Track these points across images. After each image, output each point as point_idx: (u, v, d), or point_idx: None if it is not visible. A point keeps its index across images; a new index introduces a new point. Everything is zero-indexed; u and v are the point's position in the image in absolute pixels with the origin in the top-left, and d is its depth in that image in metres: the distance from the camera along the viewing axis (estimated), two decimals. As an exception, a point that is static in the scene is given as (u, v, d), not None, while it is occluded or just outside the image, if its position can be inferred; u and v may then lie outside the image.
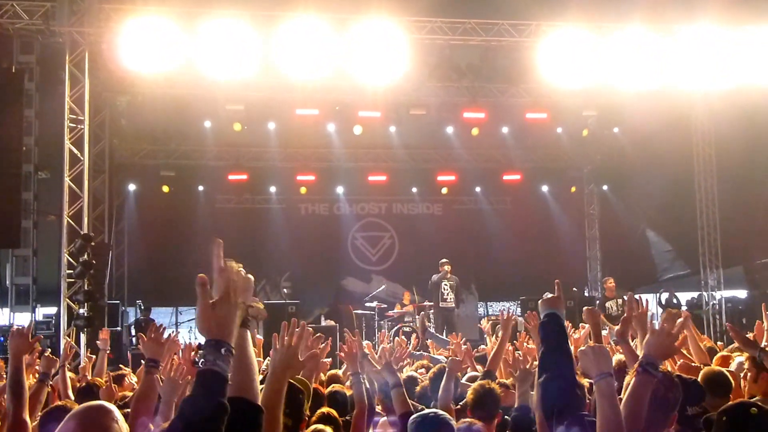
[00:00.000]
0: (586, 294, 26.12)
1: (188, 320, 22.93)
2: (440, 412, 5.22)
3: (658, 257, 25.33)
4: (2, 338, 18.04)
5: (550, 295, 4.36)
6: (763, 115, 18.26)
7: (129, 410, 5.14)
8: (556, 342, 4.21)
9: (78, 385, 8.45)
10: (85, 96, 17.16)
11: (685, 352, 7.37)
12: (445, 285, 19.80)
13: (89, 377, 8.93)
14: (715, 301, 22.64)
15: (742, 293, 22.80)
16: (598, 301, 19.44)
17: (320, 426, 5.78)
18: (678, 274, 23.66)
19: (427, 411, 5.30)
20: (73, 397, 7.71)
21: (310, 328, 5.97)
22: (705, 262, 23.04)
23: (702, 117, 22.53)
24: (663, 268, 24.96)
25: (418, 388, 7.75)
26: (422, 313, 19.92)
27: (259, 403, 3.05)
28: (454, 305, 19.91)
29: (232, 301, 2.92)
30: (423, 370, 9.42)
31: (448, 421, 5.04)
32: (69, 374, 8.66)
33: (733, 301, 22.39)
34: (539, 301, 4.40)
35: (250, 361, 3.08)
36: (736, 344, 8.55)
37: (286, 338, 4.10)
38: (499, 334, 8.35)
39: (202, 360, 2.77)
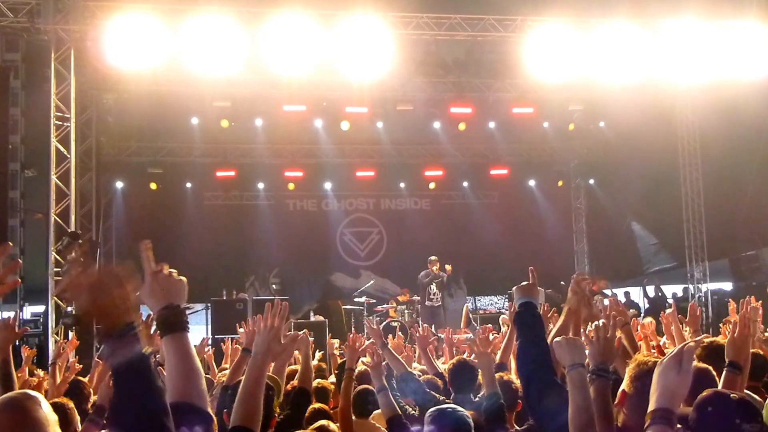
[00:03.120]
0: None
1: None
2: (458, 408, 5.13)
3: (644, 250, 25.46)
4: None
5: (524, 283, 4.44)
6: (746, 108, 18.36)
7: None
8: (532, 332, 4.31)
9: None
10: (71, 94, 17.10)
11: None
12: (433, 285, 19.91)
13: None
14: (701, 294, 22.75)
15: (727, 285, 22.93)
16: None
17: (324, 422, 5.83)
18: (664, 266, 23.79)
19: (445, 405, 5.25)
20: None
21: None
22: (691, 255, 23.14)
23: (686, 110, 22.64)
24: (649, 261, 25.08)
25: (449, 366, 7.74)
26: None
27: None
28: (440, 303, 20.04)
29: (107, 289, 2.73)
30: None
31: (466, 418, 4.98)
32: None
33: (719, 294, 22.48)
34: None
35: (194, 367, 2.97)
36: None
37: (268, 320, 4.18)
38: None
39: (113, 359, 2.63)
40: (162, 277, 3.04)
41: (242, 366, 6.32)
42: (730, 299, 8.51)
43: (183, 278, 3.12)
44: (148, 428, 2.55)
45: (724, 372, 5.22)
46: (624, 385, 4.17)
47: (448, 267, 20.13)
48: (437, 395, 7.23)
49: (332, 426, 5.82)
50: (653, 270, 24.36)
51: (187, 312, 3.05)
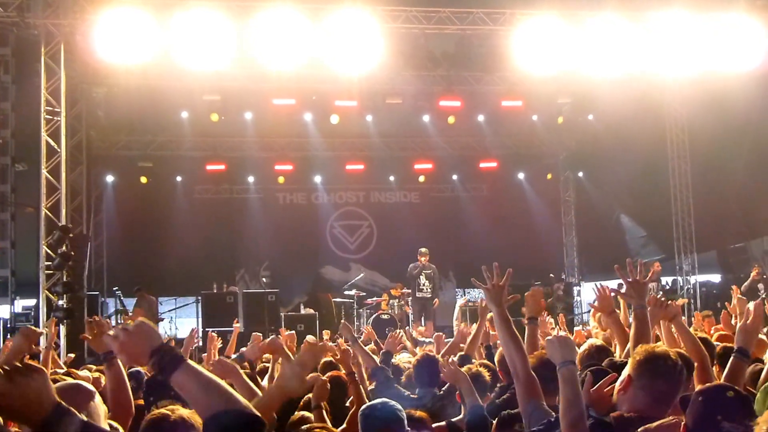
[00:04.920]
0: (563, 278, 26.30)
1: (168, 310, 22.96)
2: (391, 402, 5.09)
3: (633, 242, 25.56)
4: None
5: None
6: (734, 100, 18.43)
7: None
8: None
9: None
10: (62, 88, 17.10)
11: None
12: (422, 277, 19.96)
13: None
14: (689, 286, 22.87)
15: (716, 277, 23.07)
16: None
17: (307, 414, 5.88)
18: (652, 259, 23.88)
19: (377, 401, 5.18)
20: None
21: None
22: (679, 247, 23.26)
23: (675, 103, 22.73)
24: (637, 253, 25.16)
25: (403, 378, 7.77)
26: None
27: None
28: (430, 295, 20.08)
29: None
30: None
31: (397, 412, 4.94)
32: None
33: (707, 286, 22.65)
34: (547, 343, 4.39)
35: (213, 382, 2.84)
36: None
37: (305, 357, 4.18)
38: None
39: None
40: (134, 333, 2.90)
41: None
42: (734, 285, 8.62)
43: (144, 321, 2.98)
44: None
45: (731, 358, 5.31)
46: (629, 370, 4.23)
47: (425, 258, 20.09)
48: (404, 390, 7.29)
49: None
50: (642, 262, 24.47)
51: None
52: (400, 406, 5.00)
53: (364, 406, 5.13)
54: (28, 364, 2.73)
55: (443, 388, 7.00)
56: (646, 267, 6.28)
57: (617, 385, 4.22)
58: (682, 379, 4.32)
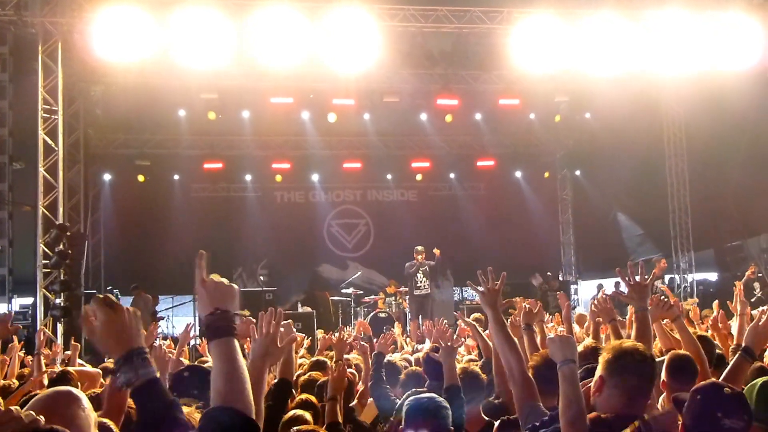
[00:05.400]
0: (561, 278, 26.32)
1: (165, 309, 22.95)
2: (436, 396, 5.02)
3: (630, 241, 25.59)
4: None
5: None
6: (731, 99, 18.45)
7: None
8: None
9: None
10: (59, 86, 17.11)
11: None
12: (419, 274, 19.97)
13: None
14: (686, 284, 22.90)
15: (713, 276, 23.07)
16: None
17: (299, 411, 5.86)
18: (650, 257, 23.89)
19: (423, 395, 5.09)
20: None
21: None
22: (676, 245, 23.31)
23: (672, 101, 22.78)
24: (634, 251, 25.20)
25: (402, 376, 7.70)
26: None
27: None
28: (429, 291, 20.08)
29: (119, 314, 2.87)
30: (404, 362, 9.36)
31: (443, 405, 4.86)
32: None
33: (704, 284, 22.67)
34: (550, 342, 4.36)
35: (239, 372, 2.90)
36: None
37: (264, 326, 4.26)
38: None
39: (125, 381, 2.76)
40: (210, 284, 3.03)
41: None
42: (736, 282, 8.62)
43: (234, 285, 3.10)
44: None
45: (736, 355, 5.33)
46: (600, 371, 4.20)
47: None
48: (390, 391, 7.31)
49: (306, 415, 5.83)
50: (639, 261, 24.48)
51: (237, 318, 3.04)
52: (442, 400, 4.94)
53: (410, 398, 5.02)
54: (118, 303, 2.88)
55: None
56: (652, 264, 6.33)
57: (592, 387, 4.21)
58: (654, 373, 4.31)
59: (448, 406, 4.81)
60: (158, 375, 2.77)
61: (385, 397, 7.15)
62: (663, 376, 5.79)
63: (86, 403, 3.24)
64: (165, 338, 15.49)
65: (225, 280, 3.08)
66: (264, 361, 4.14)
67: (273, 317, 4.32)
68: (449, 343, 6.05)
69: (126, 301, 20.88)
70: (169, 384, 5.20)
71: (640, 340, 4.84)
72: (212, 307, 2.95)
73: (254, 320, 6.35)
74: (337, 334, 7.50)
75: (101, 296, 2.87)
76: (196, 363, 7.80)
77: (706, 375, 5.58)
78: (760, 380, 4.37)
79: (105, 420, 4.33)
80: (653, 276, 19.09)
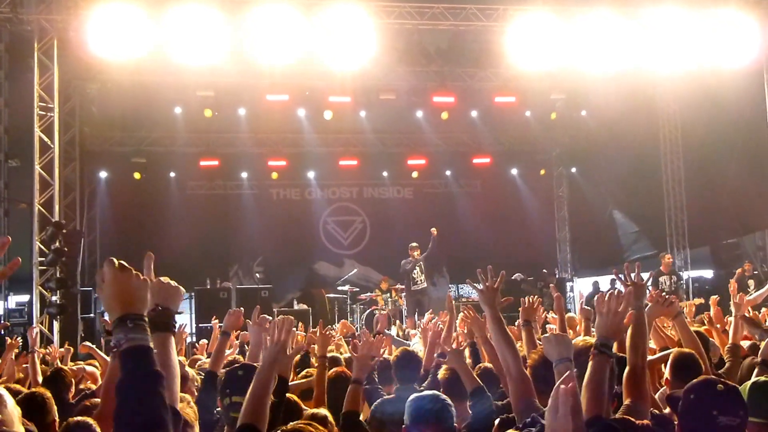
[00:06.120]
0: (557, 275, 26.33)
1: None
2: (439, 395, 4.76)
3: (625, 238, 25.62)
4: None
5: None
6: (727, 97, 18.49)
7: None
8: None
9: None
10: (55, 84, 17.09)
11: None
12: (416, 270, 20.00)
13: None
14: (682, 281, 22.92)
15: (708, 273, 23.09)
16: (652, 276, 18.99)
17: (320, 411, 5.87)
18: (645, 254, 23.91)
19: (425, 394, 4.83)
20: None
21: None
22: (672, 243, 23.32)
23: (668, 99, 22.82)
24: (630, 248, 25.23)
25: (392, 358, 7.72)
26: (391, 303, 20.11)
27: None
28: (425, 285, 20.12)
29: (126, 276, 2.89)
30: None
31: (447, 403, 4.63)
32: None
33: (700, 281, 22.69)
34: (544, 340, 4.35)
35: (170, 366, 3.09)
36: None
37: (275, 335, 4.40)
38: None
39: (115, 342, 2.78)
40: (156, 282, 3.18)
41: (223, 351, 6.45)
42: (731, 281, 8.66)
43: (181, 288, 3.30)
44: (150, 408, 2.66)
45: (756, 369, 5.34)
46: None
47: (433, 230, 20.04)
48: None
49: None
50: (634, 258, 24.50)
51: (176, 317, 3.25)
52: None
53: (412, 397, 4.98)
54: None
55: (423, 384, 7.03)
56: (657, 260, 6.34)
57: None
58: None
59: (451, 403, 4.79)
60: (151, 345, 2.77)
61: (378, 398, 7.15)
62: (666, 373, 5.83)
63: (7, 399, 3.19)
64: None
65: (173, 282, 3.27)
66: (272, 368, 4.29)
67: (283, 325, 4.45)
68: (453, 345, 6.03)
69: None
70: (223, 382, 5.28)
71: (636, 339, 4.85)
72: (154, 304, 3.08)
73: (241, 311, 6.46)
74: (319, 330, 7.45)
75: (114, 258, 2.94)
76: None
77: (708, 374, 5.58)
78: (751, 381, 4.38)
79: (87, 419, 4.35)
80: (658, 272, 19.19)
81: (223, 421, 4.99)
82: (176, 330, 3.20)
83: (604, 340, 4.21)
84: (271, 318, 6.02)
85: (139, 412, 2.64)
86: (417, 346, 9.38)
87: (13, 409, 3.19)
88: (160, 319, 3.11)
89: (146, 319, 2.82)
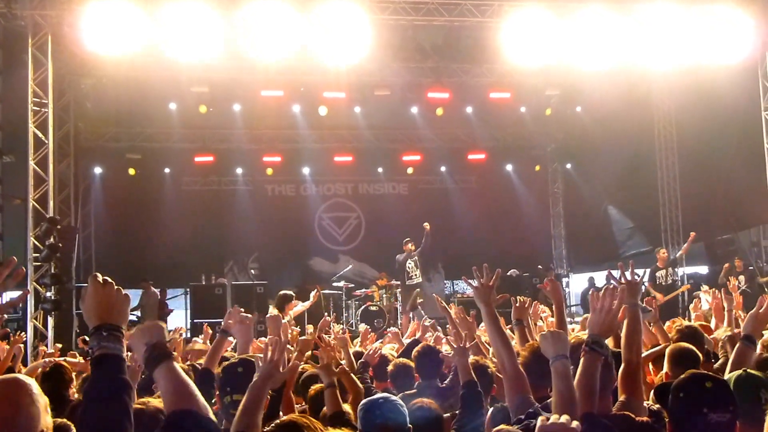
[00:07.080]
0: (554, 270, 26.35)
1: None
2: (391, 396, 4.84)
3: (620, 234, 25.63)
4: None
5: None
6: (721, 92, 18.51)
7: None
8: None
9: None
10: (49, 79, 17.03)
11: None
12: (410, 263, 20.02)
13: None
14: (677, 278, 22.92)
15: (703, 269, 23.13)
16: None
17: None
18: (640, 250, 23.94)
19: (377, 396, 4.90)
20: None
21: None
22: (667, 239, 23.34)
23: (662, 95, 22.83)
24: (625, 244, 25.25)
25: (390, 367, 7.55)
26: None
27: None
28: (421, 280, 20.17)
29: (108, 290, 3.05)
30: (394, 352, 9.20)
31: (399, 404, 4.67)
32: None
33: (694, 278, 22.70)
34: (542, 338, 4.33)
35: (187, 385, 3.13)
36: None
37: (269, 354, 4.45)
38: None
39: (90, 349, 2.91)
40: (137, 331, 3.27)
41: (220, 349, 6.45)
42: (731, 278, 8.71)
43: (158, 322, 3.37)
44: (112, 414, 2.77)
45: (738, 344, 5.37)
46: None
47: (426, 225, 20.08)
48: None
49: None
50: (629, 254, 24.53)
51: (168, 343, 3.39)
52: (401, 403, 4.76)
53: (364, 401, 4.84)
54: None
55: (445, 381, 7.03)
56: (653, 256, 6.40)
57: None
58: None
59: (441, 412, 4.89)
60: (123, 355, 2.91)
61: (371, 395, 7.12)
62: (665, 367, 5.87)
63: (35, 389, 3.24)
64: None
65: (149, 322, 3.34)
66: (266, 384, 4.33)
67: (276, 344, 4.50)
68: (462, 343, 5.99)
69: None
70: (222, 380, 5.30)
71: (630, 336, 4.86)
72: (144, 344, 3.18)
73: (242, 310, 6.46)
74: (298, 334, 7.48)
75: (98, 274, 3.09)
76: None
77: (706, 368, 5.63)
78: (734, 374, 4.38)
79: (64, 420, 4.37)
80: (654, 267, 19.21)
81: (221, 417, 4.98)
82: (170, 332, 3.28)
83: (595, 337, 4.25)
84: (250, 315, 6.15)
85: (101, 417, 2.75)
86: (386, 349, 9.11)
87: (40, 398, 3.24)
88: (158, 352, 3.15)
89: (122, 330, 2.95)
